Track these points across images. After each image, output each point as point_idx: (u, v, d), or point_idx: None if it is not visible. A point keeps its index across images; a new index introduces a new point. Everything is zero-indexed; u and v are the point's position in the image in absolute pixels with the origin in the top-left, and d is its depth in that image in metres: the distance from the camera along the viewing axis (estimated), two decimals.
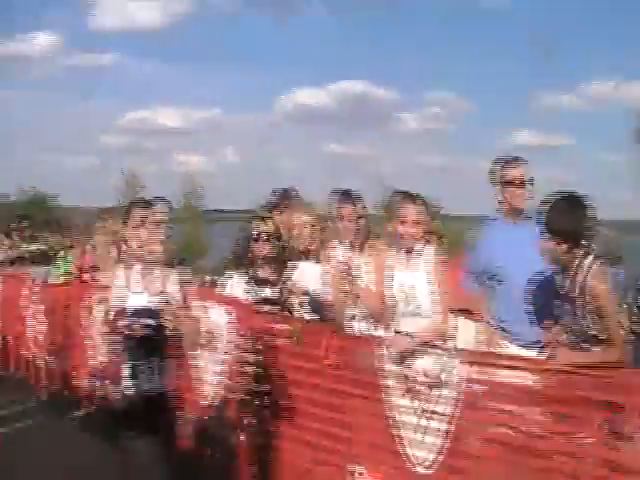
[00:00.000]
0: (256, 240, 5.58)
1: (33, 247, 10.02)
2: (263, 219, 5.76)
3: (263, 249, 5.57)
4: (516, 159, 4.85)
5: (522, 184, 4.75)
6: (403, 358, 4.40)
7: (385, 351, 4.52)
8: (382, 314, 4.75)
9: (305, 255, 5.54)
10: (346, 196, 5.05)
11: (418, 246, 4.67)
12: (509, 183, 4.77)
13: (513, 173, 4.75)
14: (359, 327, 4.95)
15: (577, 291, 3.94)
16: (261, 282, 5.60)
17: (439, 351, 4.31)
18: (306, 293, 5.43)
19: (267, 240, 5.58)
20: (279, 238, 5.62)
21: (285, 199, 5.67)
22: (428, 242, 4.70)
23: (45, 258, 9.97)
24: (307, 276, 5.40)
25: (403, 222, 4.63)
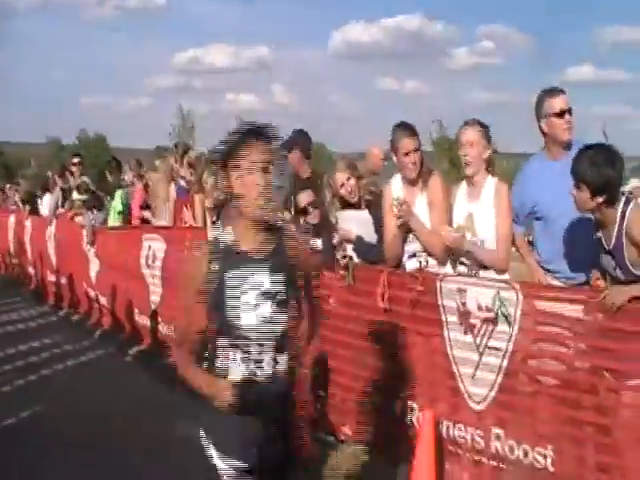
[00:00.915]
0: (305, 213, 5.60)
1: (85, 196, 10.14)
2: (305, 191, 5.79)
3: (314, 218, 5.61)
4: (554, 89, 4.73)
5: (561, 114, 4.61)
6: (461, 291, 4.36)
7: (441, 284, 4.48)
8: (444, 248, 4.71)
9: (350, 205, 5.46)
10: (409, 129, 4.96)
11: (480, 176, 4.61)
12: (548, 113, 4.64)
13: (551, 103, 4.63)
14: (420, 262, 4.88)
15: (614, 240, 3.86)
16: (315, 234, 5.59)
17: (497, 284, 4.24)
18: (351, 239, 5.39)
19: (314, 209, 5.62)
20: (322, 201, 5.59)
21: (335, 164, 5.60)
22: (489, 173, 4.64)
23: (99, 202, 10.08)
24: (352, 223, 5.35)
25: (465, 145, 4.64)
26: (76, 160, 11.91)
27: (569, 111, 4.62)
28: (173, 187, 8.51)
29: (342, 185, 5.32)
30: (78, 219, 10.52)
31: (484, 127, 4.73)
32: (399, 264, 5.00)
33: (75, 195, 10.61)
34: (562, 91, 4.72)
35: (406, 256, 4.93)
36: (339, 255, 5.27)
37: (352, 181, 5.31)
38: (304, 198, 5.58)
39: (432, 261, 4.83)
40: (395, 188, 5.05)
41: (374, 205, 5.29)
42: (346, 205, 5.40)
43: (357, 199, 5.33)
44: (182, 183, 8.39)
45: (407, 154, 4.85)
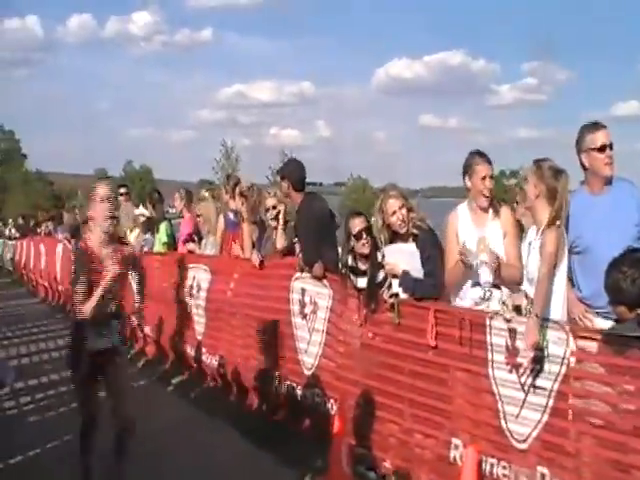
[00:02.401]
0: (357, 238, 5.55)
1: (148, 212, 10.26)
2: (360, 216, 5.74)
3: (365, 246, 5.53)
4: (596, 123, 4.73)
5: (602, 148, 4.60)
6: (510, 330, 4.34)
7: (491, 322, 4.47)
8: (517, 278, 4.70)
9: (397, 236, 5.47)
10: (485, 156, 5.02)
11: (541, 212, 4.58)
12: (590, 148, 4.64)
13: (593, 137, 4.63)
14: (484, 292, 4.87)
15: None
16: (361, 273, 5.59)
17: (545, 323, 4.20)
18: (397, 274, 5.39)
19: (367, 236, 5.54)
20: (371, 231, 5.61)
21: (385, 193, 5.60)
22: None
23: (149, 227, 10.21)
24: (399, 256, 5.35)
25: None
26: (123, 190, 12.09)
27: (610, 146, 4.61)
28: (222, 219, 8.61)
29: (394, 213, 5.33)
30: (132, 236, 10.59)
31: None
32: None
33: (140, 209, 10.70)
34: (603, 126, 4.70)
35: (469, 284, 4.91)
36: (386, 294, 5.26)
37: (404, 210, 5.33)
38: (358, 223, 5.59)
39: (495, 292, 4.80)
40: (462, 215, 5.06)
41: (422, 240, 5.29)
42: (393, 236, 5.42)
43: (405, 230, 5.34)
44: (231, 216, 8.49)
45: (484, 178, 4.90)
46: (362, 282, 5.57)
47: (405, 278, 5.22)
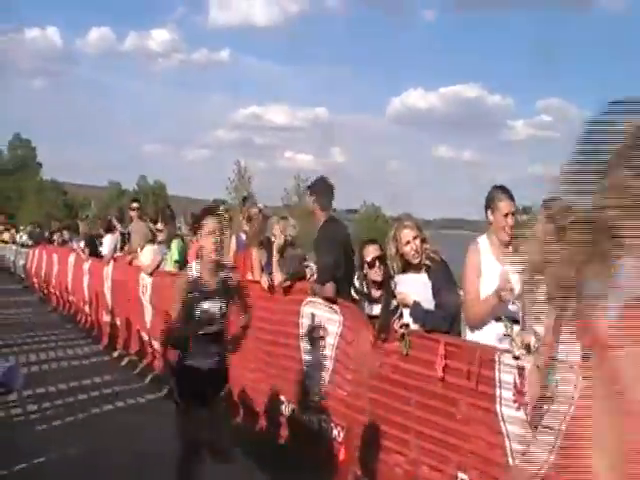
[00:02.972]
0: (371, 266, 5.59)
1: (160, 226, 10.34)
2: (374, 243, 5.80)
3: (378, 274, 5.58)
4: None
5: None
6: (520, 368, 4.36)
7: (500, 358, 4.50)
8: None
9: (410, 266, 5.51)
10: (508, 192, 5.09)
11: None
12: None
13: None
14: (506, 327, 4.90)
15: None
16: (372, 300, 5.64)
17: (553, 362, 4.23)
18: (409, 304, 5.41)
19: (380, 264, 5.59)
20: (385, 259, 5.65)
21: (400, 222, 5.64)
22: None
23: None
24: (410, 286, 5.39)
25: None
26: (135, 205, 12.18)
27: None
28: (234, 240, 8.69)
29: (408, 242, 5.37)
30: (135, 262, 10.69)
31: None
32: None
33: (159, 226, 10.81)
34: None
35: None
36: (397, 325, 5.27)
37: (418, 241, 5.38)
38: (372, 251, 5.64)
39: (516, 327, 4.83)
40: (483, 248, 5.11)
41: (434, 271, 5.34)
42: (406, 266, 5.46)
43: (418, 261, 5.38)
44: (243, 237, 8.57)
45: (506, 215, 4.96)
46: (374, 310, 5.61)
47: (416, 309, 5.24)
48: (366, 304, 5.71)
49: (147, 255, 10.30)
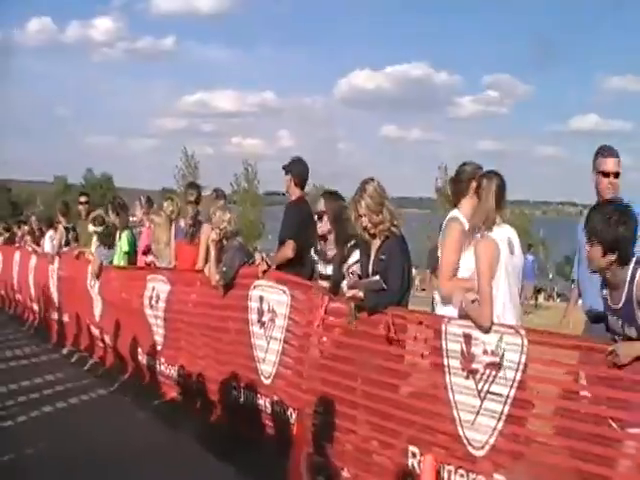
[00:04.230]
0: (319, 218, 5.78)
1: (98, 229, 10.18)
2: (327, 197, 5.99)
3: (321, 228, 5.77)
4: (607, 149, 5.08)
5: (607, 174, 4.94)
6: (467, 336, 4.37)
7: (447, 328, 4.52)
8: None
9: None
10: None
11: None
12: (598, 172, 4.99)
13: (600, 161, 4.96)
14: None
15: (623, 300, 3.90)
16: (327, 260, 5.70)
17: (502, 328, 4.25)
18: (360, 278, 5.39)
19: (328, 219, 5.67)
20: (341, 220, 5.65)
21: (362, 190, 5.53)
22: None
23: (105, 239, 10.11)
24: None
25: None
26: (83, 199, 12.02)
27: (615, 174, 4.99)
28: (173, 228, 8.64)
29: (360, 216, 5.25)
30: (86, 256, 10.52)
31: None
32: None
33: (90, 227, 10.63)
34: (613, 151, 5.11)
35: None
36: (347, 292, 5.22)
37: (369, 217, 5.25)
38: (320, 205, 5.95)
39: None
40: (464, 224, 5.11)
41: (388, 246, 5.21)
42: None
43: (373, 232, 5.33)
44: (182, 224, 8.52)
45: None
46: (327, 269, 5.81)
47: (367, 298, 5.14)
48: (321, 264, 5.90)
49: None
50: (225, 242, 6.93)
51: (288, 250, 6.53)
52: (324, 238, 5.88)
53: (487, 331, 4.29)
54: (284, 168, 7.09)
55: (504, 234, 4.79)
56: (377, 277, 5.11)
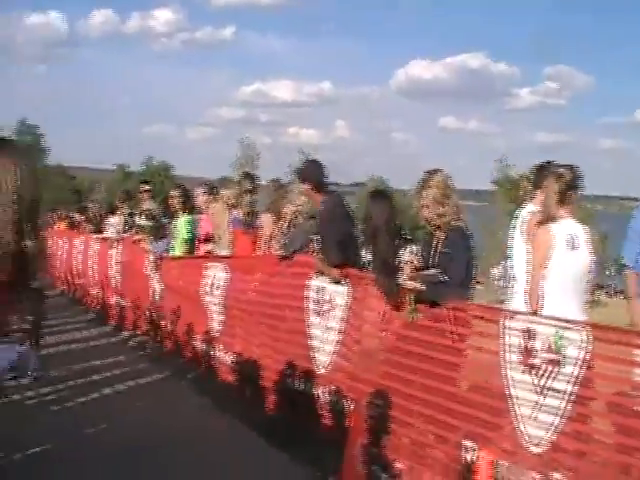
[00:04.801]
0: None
1: (149, 223, 10.36)
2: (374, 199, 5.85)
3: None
4: None
5: None
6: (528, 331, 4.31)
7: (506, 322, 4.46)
8: None
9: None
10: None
11: None
12: None
13: None
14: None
15: None
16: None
17: (564, 324, 4.18)
18: (418, 270, 5.32)
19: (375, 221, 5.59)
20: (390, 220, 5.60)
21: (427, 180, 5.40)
22: None
23: (155, 232, 10.27)
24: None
25: None
26: (146, 187, 12.15)
27: None
28: (227, 216, 8.71)
29: (423, 207, 5.23)
30: (143, 245, 10.71)
31: None
32: None
33: (138, 220, 10.81)
34: None
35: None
36: (409, 285, 5.11)
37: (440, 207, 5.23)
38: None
39: None
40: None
41: (451, 238, 5.18)
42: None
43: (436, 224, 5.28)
44: (235, 213, 8.58)
45: None
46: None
47: (429, 289, 5.05)
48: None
49: None
50: (298, 221, 7.02)
51: (337, 276, 6.13)
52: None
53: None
54: (297, 175, 6.85)
55: (565, 229, 4.73)
56: (434, 270, 5.06)
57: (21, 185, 2.76)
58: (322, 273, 6.29)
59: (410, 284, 5.06)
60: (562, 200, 4.78)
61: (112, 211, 13.76)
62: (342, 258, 6.07)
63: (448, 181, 5.23)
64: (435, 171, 5.25)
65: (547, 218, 4.80)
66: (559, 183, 4.81)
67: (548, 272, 4.63)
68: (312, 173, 6.56)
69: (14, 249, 2.73)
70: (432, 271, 5.10)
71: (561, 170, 4.93)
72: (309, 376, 6.36)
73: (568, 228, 4.83)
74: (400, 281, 5.18)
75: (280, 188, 8.13)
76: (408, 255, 5.50)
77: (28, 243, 2.81)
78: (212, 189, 9.65)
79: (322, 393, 6.17)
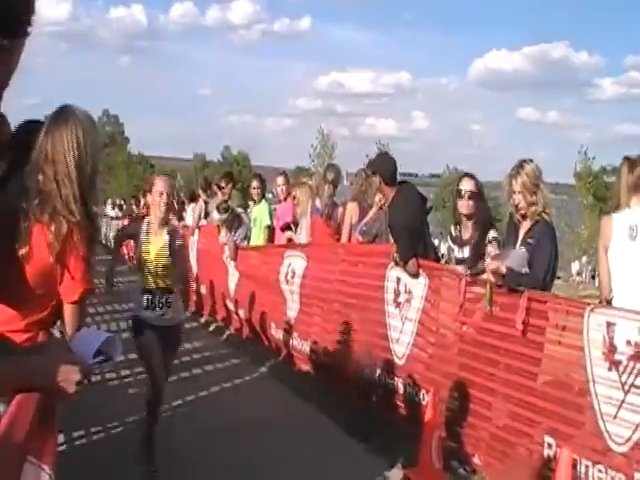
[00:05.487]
0: (461, 197, 5.71)
1: (223, 216, 10.47)
2: (472, 179, 5.88)
3: (466, 207, 5.72)
4: None
5: None
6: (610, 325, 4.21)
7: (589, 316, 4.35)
8: None
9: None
10: None
11: None
12: None
13: None
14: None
15: None
16: (463, 243, 5.64)
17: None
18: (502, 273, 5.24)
19: (471, 198, 5.66)
20: (484, 200, 5.63)
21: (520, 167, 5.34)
22: None
23: (231, 224, 10.37)
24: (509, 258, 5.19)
25: None
26: (225, 181, 11.82)
27: None
28: (309, 205, 8.76)
29: (514, 192, 5.19)
30: (221, 237, 10.77)
31: None
32: None
33: (215, 215, 10.97)
34: None
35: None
36: (488, 265, 5.08)
37: (528, 195, 5.19)
38: (466, 184, 5.86)
39: None
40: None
41: (536, 230, 5.12)
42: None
43: (524, 213, 5.23)
44: (317, 203, 8.61)
45: None
46: (465, 252, 5.76)
47: (509, 275, 5.02)
48: (457, 248, 5.84)
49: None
50: (383, 208, 7.08)
51: (413, 270, 6.11)
52: (470, 217, 5.77)
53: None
54: (368, 168, 6.81)
55: (628, 218, 4.67)
56: (523, 249, 5.01)
57: (79, 158, 2.71)
58: (397, 264, 6.27)
59: (494, 264, 5.02)
60: (634, 188, 4.72)
61: (192, 199, 14.00)
62: (412, 250, 6.07)
63: (539, 172, 5.20)
64: (529, 160, 5.22)
65: (616, 205, 4.76)
66: (630, 170, 4.76)
67: (608, 259, 4.63)
68: (382, 166, 6.49)
69: (84, 223, 2.71)
70: (519, 249, 5.06)
71: (634, 158, 4.83)
72: (386, 366, 6.36)
73: (631, 217, 4.75)
74: (486, 264, 5.16)
75: (368, 178, 8.13)
76: (491, 235, 5.63)
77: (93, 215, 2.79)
78: (287, 178, 9.83)
79: (399, 383, 6.17)
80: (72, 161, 2.67)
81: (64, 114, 2.74)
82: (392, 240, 6.48)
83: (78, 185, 2.68)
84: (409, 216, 6.19)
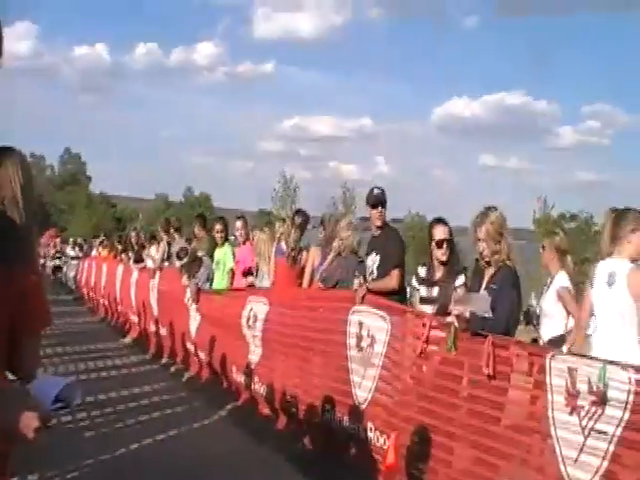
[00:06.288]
0: (439, 246, 6.01)
1: (184, 261, 10.54)
2: (445, 225, 6.18)
3: (444, 254, 6.05)
4: None
5: None
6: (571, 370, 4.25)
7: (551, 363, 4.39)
8: None
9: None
10: None
11: None
12: None
13: None
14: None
15: None
16: (432, 284, 5.79)
17: (608, 365, 4.11)
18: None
19: (447, 245, 5.98)
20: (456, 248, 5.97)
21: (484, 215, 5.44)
22: None
23: (191, 269, 10.39)
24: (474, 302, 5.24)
25: None
26: (219, 227, 11.55)
27: None
28: (274, 248, 8.79)
29: (479, 240, 5.28)
30: (183, 280, 10.69)
31: None
32: None
33: (176, 262, 10.95)
34: None
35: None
36: (453, 308, 5.12)
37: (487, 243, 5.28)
38: (441, 232, 6.11)
39: None
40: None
41: (499, 275, 5.21)
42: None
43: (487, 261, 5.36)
44: (282, 246, 8.66)
45: None
46: (434, 292, 6.06)
47: (473, 320, 5.00)
48: (424, 288, 6.12)
49: None
50: (342, 254, 7.20)
51: (394, 281, 6.46)
52: (445, 263, 6.10)
53: None
54: (378, 202, 6.94)
55: (608, 266, 4.86)
56: (486, 293, 5.07)
57: (24, 192, 2.69)
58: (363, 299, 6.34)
59: (457, 309, 5.04)
60: (616, 239, 4.92)
61: (153, 239, 13.98)
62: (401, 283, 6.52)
63: (503, 220, 5.29)
64: (493, 208, 5.31)
65: (602, 256, 4.97)
66: (610, 223, 4.91)
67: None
68: (385, 199, 6.89)
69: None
70: (483, 293, 5.11)
71: (618, 210, 4.99)
72: (348, 411, 6.33)
73: (609, 266, 4.93)
74: (450, 306, 5.22)
75: (336, 223, 8.19)
76: (460, 281, 5.92)
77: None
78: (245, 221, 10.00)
79: (360, 428, 6.12)
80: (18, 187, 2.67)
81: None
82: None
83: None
84: (402, 249, 6.81)
